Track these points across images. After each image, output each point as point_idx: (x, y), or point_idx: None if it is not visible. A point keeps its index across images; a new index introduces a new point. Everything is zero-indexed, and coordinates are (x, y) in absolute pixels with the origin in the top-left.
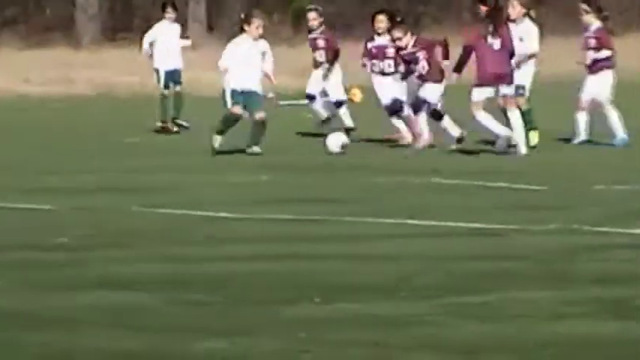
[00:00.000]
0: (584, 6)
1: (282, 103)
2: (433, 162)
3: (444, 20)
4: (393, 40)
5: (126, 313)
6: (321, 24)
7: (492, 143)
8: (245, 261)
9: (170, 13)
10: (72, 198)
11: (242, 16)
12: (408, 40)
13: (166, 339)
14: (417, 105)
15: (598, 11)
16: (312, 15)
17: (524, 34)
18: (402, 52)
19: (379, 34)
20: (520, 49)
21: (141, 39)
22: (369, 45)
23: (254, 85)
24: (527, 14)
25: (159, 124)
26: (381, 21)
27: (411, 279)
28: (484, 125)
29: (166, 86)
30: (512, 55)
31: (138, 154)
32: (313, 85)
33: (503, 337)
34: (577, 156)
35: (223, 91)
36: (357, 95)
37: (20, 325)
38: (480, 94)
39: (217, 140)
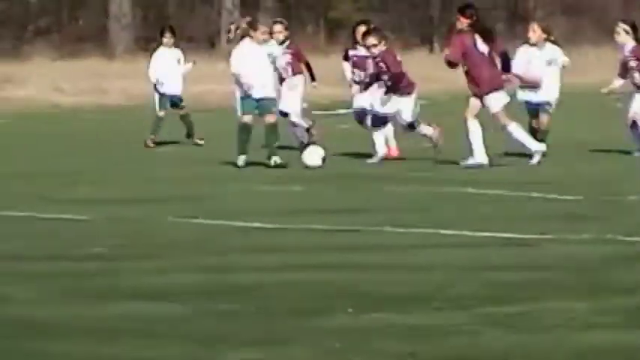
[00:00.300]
0: (624, 26)
1: (316, 113)
2: (468, 172)
3: None
4: (367, 48)
5: (158, 323)
6: (287, 38)
7: (530, 157)
8: (279, 271)
9: (168, 38)
10: (105, 208)
11: (245, 23)
12: (380, 50)
13: (199, 349)
14: (378, 120)
15: (634, 31)
16: (277, 28)
17: (551, 57)
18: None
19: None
20: (551, 73)
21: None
22: (351, 53)
23: (267, 91)
24: (547, 39)
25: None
26: (363, 32)
27: (445, 289)
28: (515, 137)
29: (161, 107)
30: (505, 61)
31: (171, 164)
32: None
33: (538, 347)
34: (611, 166)
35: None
36: None
37: (49, 335)
38: (498, 101)
39: (241, 159)
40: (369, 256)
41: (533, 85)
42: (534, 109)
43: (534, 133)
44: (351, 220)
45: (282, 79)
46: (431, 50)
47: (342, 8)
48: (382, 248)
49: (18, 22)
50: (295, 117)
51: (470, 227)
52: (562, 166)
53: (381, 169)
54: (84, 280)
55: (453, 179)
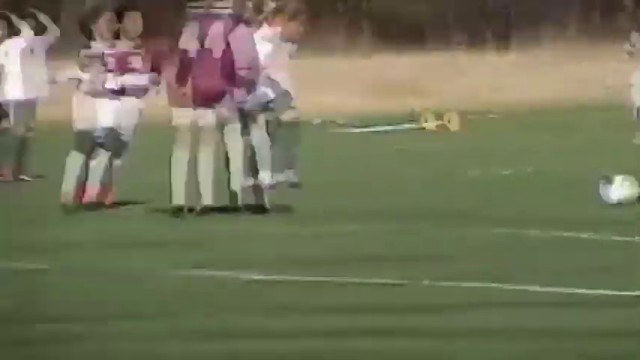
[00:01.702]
0: None
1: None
2: (555, 210)
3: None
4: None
5: None
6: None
7: None
8: (321, 336)
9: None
10: (69, 254)
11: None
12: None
13: None
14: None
15: None
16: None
17: None
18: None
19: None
20: None
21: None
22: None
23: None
24: None
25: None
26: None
27: None
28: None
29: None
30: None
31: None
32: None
33: None
34: None
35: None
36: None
37: None
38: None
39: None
40: (436, 318)
41: None
42: None
43: None
44: (416, 270)
45: None
46: (505, 48)
47: None
48: (452, 307)
49: None
50: None
51: (561, 281)
52: None
53: (455, 206)
54: (38, 349)
55: (539, 219)
